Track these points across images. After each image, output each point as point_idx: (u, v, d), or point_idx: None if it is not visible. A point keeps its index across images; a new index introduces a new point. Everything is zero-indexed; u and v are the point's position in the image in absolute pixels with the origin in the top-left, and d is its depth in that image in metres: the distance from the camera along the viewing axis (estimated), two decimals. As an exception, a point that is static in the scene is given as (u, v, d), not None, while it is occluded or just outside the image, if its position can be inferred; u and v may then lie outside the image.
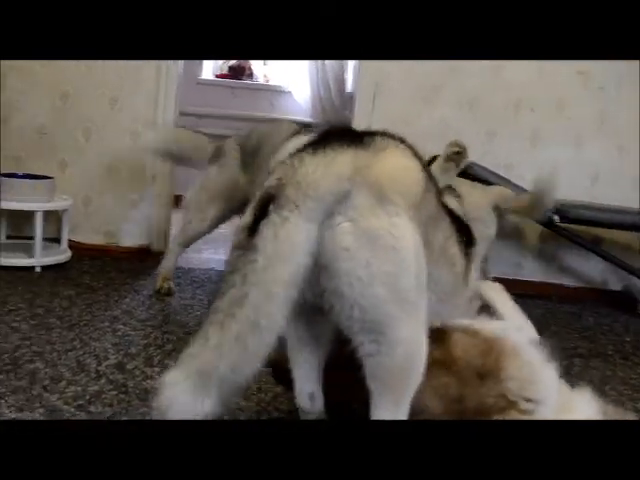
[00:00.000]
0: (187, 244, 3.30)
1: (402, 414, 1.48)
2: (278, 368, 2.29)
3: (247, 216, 1.39)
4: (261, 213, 1.34)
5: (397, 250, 1.39)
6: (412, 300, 1.44)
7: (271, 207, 1.33)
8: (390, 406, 1.47)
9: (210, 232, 3.27)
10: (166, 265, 3.28)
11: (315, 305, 1.49)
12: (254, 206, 1.39)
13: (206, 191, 3.19)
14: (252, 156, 2.99)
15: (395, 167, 1.46)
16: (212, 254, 4.07)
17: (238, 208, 3.05)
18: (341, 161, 1.39)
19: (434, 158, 2.92)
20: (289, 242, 1.32)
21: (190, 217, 3.22)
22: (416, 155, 1.57)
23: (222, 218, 3.20)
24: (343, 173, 1.37)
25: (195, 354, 1.33)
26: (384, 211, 1.38)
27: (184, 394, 1.29)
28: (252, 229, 1.34)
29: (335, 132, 1.54)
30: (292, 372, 1.71)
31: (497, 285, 2.20)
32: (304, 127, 2.80)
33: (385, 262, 1.38)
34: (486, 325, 1.83)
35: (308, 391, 1.69)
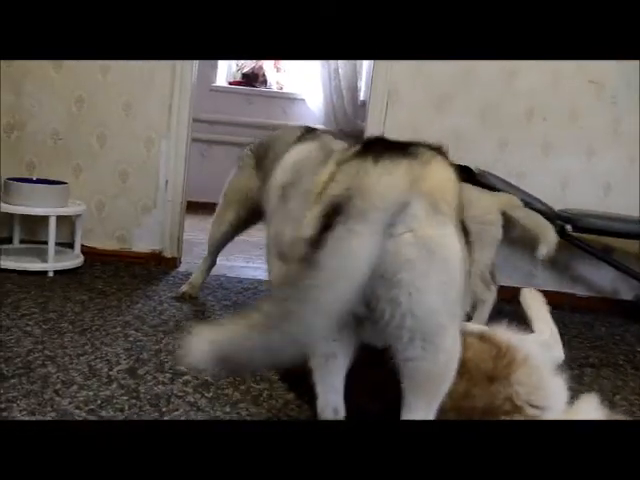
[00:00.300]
0: (213, 250, 3.32)
1: (432, 415, 1.53)
2: (287, 371, 2.31)
3: (309, 227, 1.39)
4: (326, 224, 1.33)
5: (450, 260, 1.43)
6: (457, 309, 1.49)
7: (338, 218, 1.32)
8: (424, 407, 1.51)
9: (232, 237, 3.28)
10: (196, 271, 3.38)
11: (353, 314, 1.50)
12: (317, 217, 1.38)
13: (224, 196, 3.23)
14: (263, 162, 3.00)
15: (443, 178, 1.50)
16: (224, 260, 4.08)
17: (253, 214, 3.09)
18: (399, 172, 1.41)
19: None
20: (354, 257, 1.31)
21: (212, 222, 3.28)
22: (451, 165, 1.60)
23: (240, 223, 3.21)
24: (403, 184, 1.40)
25: (227, 335, 1.31)
26: (437, 221, 1.42)
27: (202, 352, 1.28)
28: (316, 242, 1.31)
29: (377, 142, 1.57)
30: (316, 387, 1.69)
31: (537, 294, 2.20)
32: (307, 131, 2.80)
33: (441, 272, 1.41)
34: (506, 335, 1.85)
35: (333, 405, 1.67)
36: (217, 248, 3.32)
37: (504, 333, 1.87)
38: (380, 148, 1.47)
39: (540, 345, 1.93)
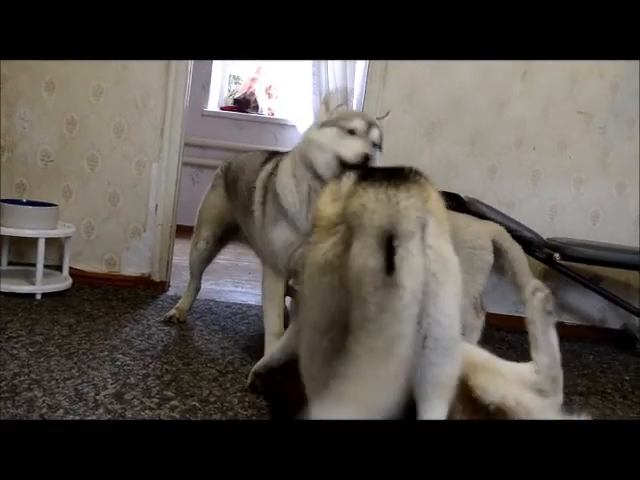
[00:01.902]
0: (195, 270, 3.32)
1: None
2: (269, 390, 2.30)
3: (372, 257, 1.48)
4: (389, 251, 1.47)
5: (457, 273, 1.58)
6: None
7: (395, 243, 1.47)
8: (444, 406, 1.60)
9: (211, 255, 3.29)
10: (183, 295, 3.38)
11: None
12: (375, 247, 1.49)
13: (199, 215, 3.27)
14: (232, 184, 3.04)
15: (439, 199, 1.63)
16: (212, 285, 4.08)
17: (227, 232, 3.15)
18: (414, 195, 1.55)
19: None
20: (418, 273, 1.47)
21: (191, 243, 3.29)
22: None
23: (216, 241, 3.23)
24: (420, 205, 1.54)
25: (355, 394, 1.41)
26: (444, 238, 1.57)
27: None
28: (388, 268, 1.46)
29: (377, 170, 1.72)
30: None
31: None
32: (271, 154, 2.84)
33: (454, 284, 1.56)
34: (503, 389, 1.77)
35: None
36: (198, 268, 3.32)
37: (501, 382, 1.76)
38: (381, 175, 1.60)
39: (531, 389, 1.80)
